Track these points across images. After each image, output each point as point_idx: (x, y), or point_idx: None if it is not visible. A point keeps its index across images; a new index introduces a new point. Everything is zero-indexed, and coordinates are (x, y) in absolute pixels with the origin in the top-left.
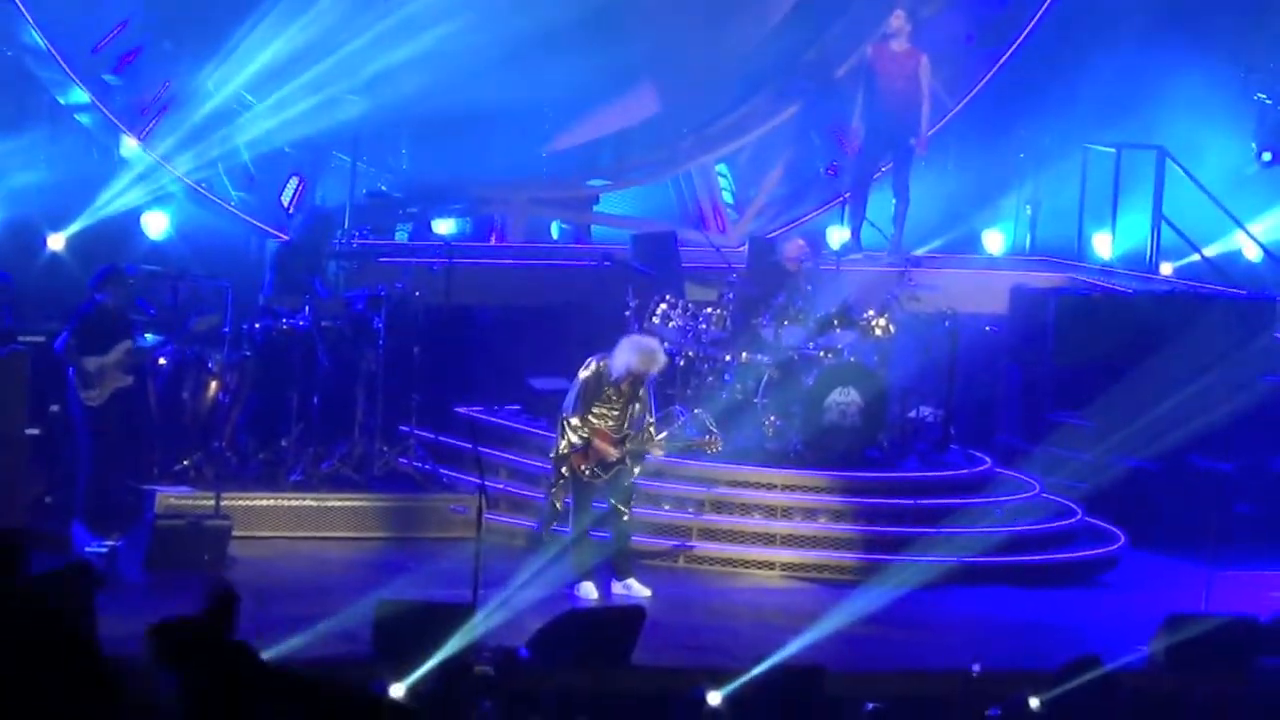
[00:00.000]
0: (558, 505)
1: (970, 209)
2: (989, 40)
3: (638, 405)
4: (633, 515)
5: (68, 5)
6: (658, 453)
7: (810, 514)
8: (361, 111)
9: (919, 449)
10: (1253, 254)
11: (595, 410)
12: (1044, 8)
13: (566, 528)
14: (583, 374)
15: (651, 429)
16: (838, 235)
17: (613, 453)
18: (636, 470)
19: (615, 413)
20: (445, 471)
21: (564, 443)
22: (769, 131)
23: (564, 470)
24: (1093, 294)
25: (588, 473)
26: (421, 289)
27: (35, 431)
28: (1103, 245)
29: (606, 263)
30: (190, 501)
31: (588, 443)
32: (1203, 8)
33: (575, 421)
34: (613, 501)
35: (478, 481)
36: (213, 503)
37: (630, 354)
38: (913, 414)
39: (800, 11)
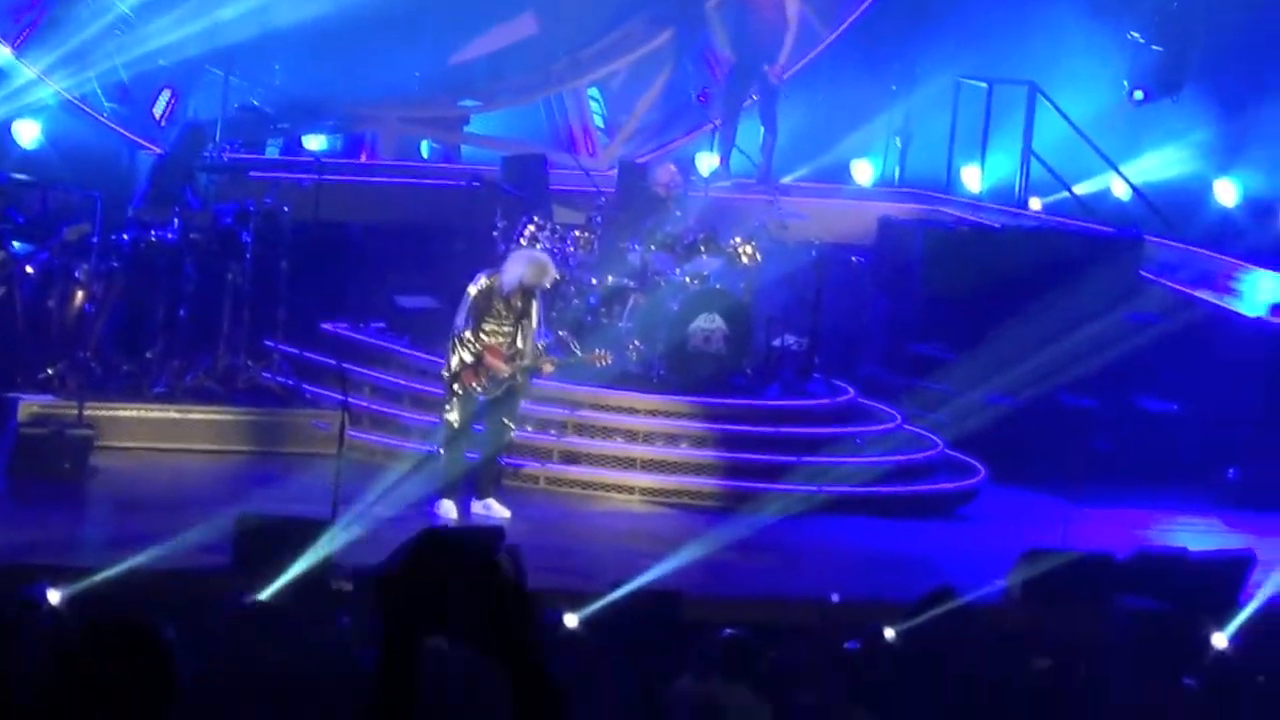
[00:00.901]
0: (453, 424)
1: (840, 139)
2: None
3: (528, 322)
4: (513, 436)
5: None
6: (549, 369)
7: (672, 439)
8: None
9: (783, 377)
10: (1121, 192)
11: (486, 326)
12: None
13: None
14: (472, 289)
15: (543, 347)
16: (707, 162)
17: (504, 369)
18: (527, 388)
19: (506, 329)
20: (309, 387)
21: (455, 360)
22: (642, 57)
23: (456, 388)
24: (960, 227)
25: (479, 389)
26: (291, 204)
27: None
28: (972, 179)
29: (476, 183)
30: (54, 410)
31: (479, 359)
32: None
33: (467, 336)
34: (503, 420)
35: (341, 398)
36: (76, 412)
37: (522, 266)
38: (777, 342)
39: None
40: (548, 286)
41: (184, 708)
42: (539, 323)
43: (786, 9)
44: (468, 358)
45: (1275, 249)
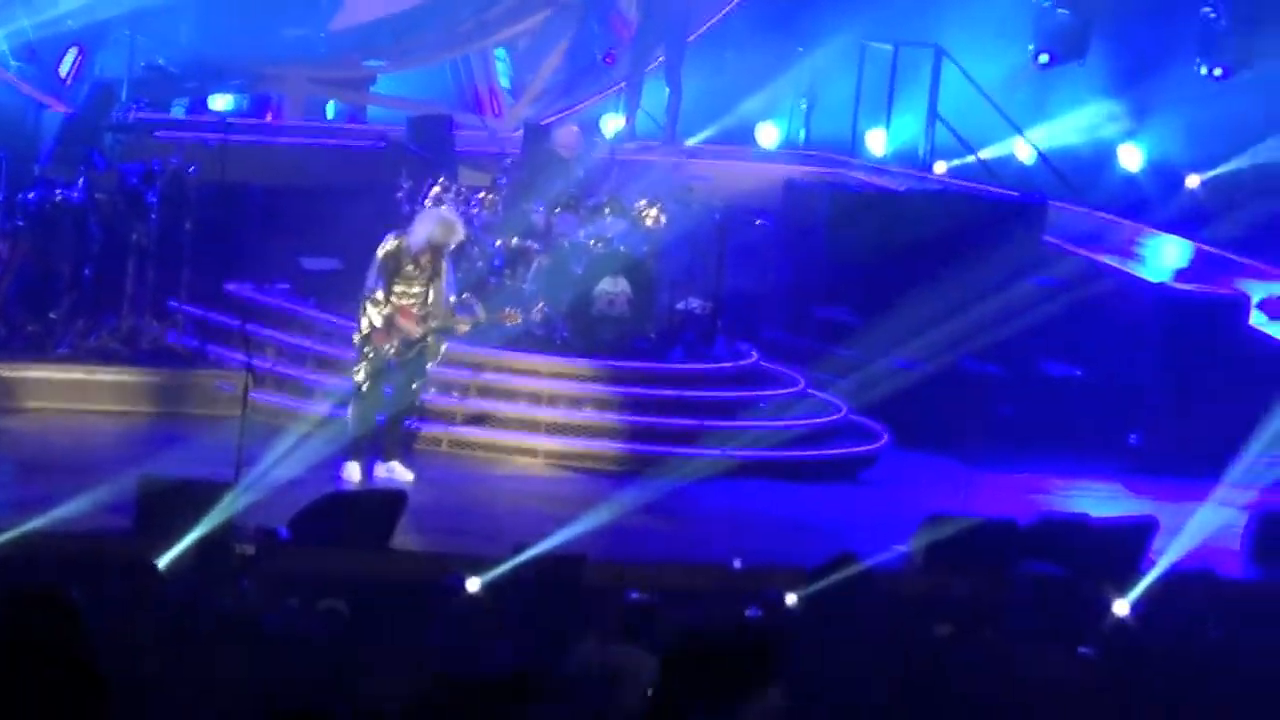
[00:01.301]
0: (362, 386)
1: (745, 101)
2: None
3: (439, 281)
4: (419, 399)
5: None
6: (464, 329)
7: (576, 403)
8: None
9: (686, 340)
10: (1026, 156)
11: (396, 288)
12: None
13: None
14: (381, 251)
15: (453, 307)
16: (613, 123)
17: (415, 330)
18: (441, 348)
19: (417, 289)
20: (213, 348)
21: (365, 322)
22: (548, 18)
23: (366, 350)
24: (865, 191)
25: (391, 350)
26: (196, 165)
27: None
28: (877, 142)
29: (381, 144)
30: None
31: (390, 321)
32: None
33: (378, 297)
34: (411, 382)
35: (245, 359)
36: None
37: (430, 225)
38: (681, 305)
39: None
40: (454, 245)
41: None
42: (449, 282)
43: None
44: (378, 319)
45: (1179, 214)
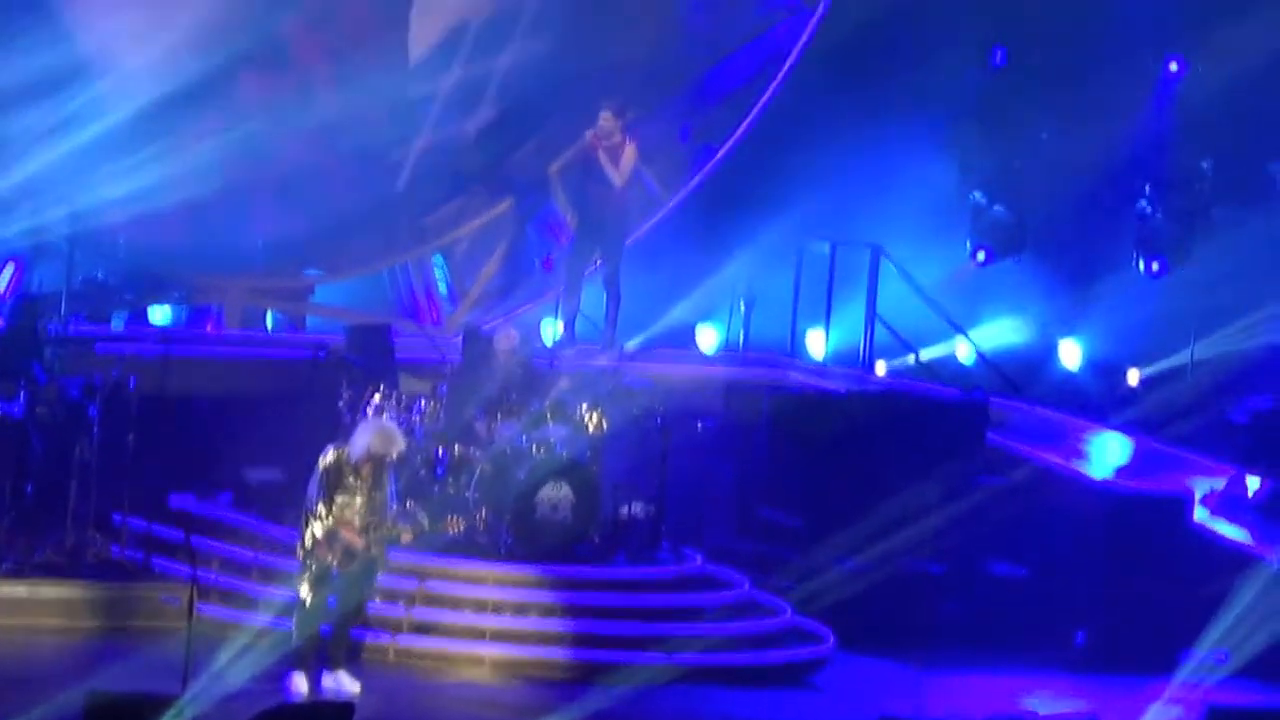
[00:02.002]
0: (306, 598)
1: (685, 305)
2: (705, 135)
3: (379, 493)
4: (365, 609)
5: None
6: (408, 538)
7: (521, 610)
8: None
9: (630, 545)
10: (966, 354)
11: (338, 499)
12: (761, 104)
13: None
14: (322, 463)
15: (395, 517)
16: (552, 329)
17: (358, 541)
18: (384, 560)
19: (359, 500)
20: (158, 561)
21: (309, 535)
22: (485, 224)
23: (309, 562)
24: (805, 392)
25: (334, 561)
26: (137, 377)
27: None
28: (816, 343)
29: (321, 353)
30: None
31: (333, 533)
32: (917, 105)
33: (320, 511)
34: (357, 592)
35: (189, 572)
36: None
37: (368, 436)
38: (625, 510)
39: (509, 114)
40: (395, 457)
41: None
42: (390, 493)
43: (615, 175)
44: (320, 532)
45: (1120, 410)
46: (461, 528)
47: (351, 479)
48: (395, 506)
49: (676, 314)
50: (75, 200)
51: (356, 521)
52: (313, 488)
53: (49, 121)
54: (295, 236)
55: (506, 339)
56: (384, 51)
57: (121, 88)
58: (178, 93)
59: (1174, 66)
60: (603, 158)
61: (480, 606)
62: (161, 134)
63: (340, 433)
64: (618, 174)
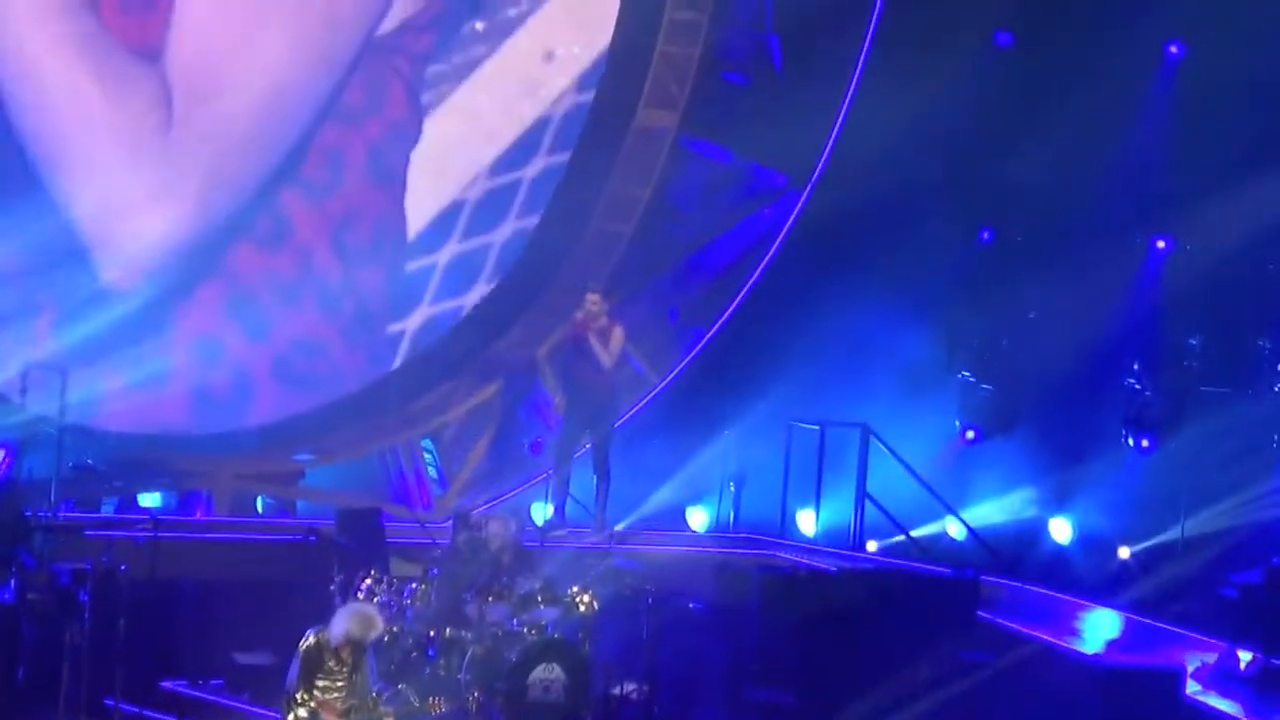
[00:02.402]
0: None
1: (674, 486)
2: (693, 318)
3: (360, 675)
4: None
5: None
6: None
7: None
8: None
9: None
10: (956, 532)
11: (319, 684)
12: (748, 287)
13: None
14: (302, 647)
15: (377, 699)
16: (542, 511)
17: None
18: None
19: (339, 684)
20: None
21: (291, 718)
22: (473, 408)
23: None
24: (796, 571)
25: None
26: (128, 563)
27: None
28: (807, 523)
29: (311, 538)
30: None
31: (314, 717)
32: (904, 284)
33: (300, 697)
34: None
35: None
36: None
37: (348, 620)
38: (616, 691)
39: (493, 299)
40: (373, 639)
41: None
42: (372, 675)
43: (604, 356)
44: (304, 715)
45: (1111, 586)
46: (450, 709)
47: (332, 663)
48: (377, 689)
49: (666, 495)
50: (70, 392)
51: (338, 705)
52: (293, 673)
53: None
54: (286, 420)
55: (500, 524)
56: (383, 222)
57: (119, 268)
58: (181, 276)
59: (1161, 244)
60: (592, 340)
61: None
62: (163, 324)
63: (333, 616)
64: (607, 355)
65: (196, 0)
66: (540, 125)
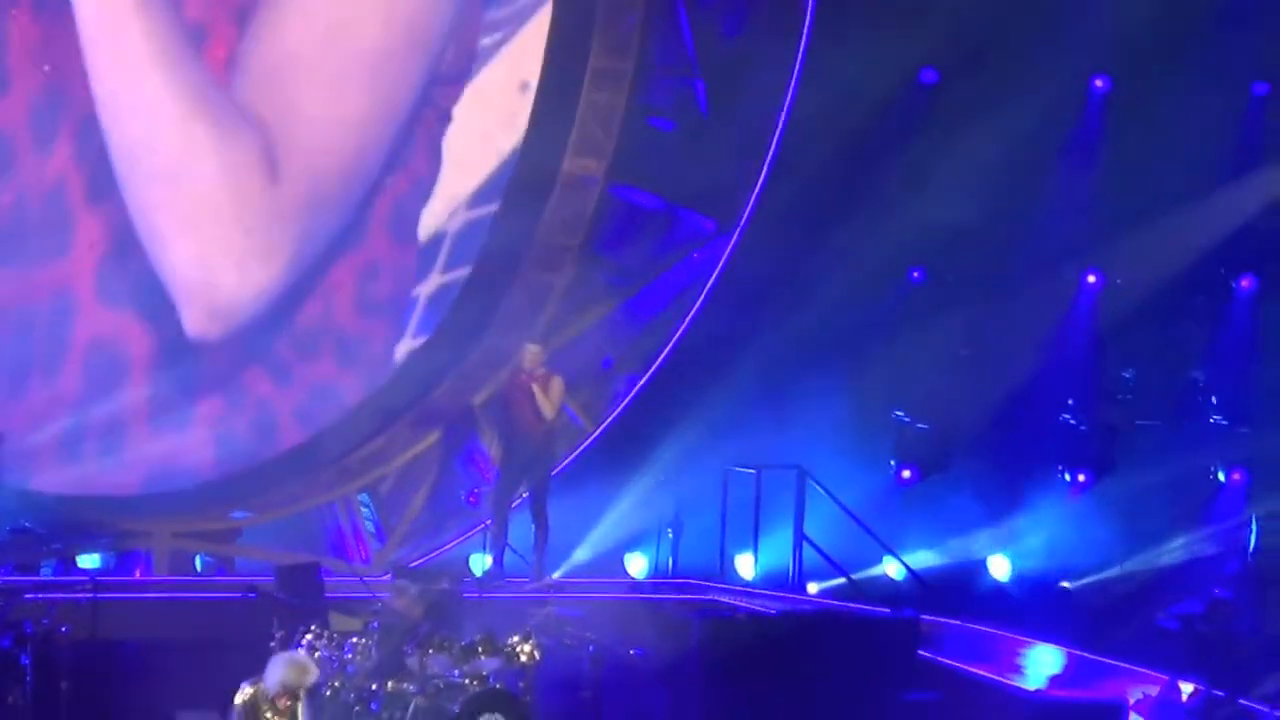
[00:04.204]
0: None
1: (612, 533)
2: (628, 364)
3: None
4: None
5: None
6: None
7: None
8: None
9: None
10: (895, 572)
11: None
12: (680, 332)
13: None
14: (238, 700)
15: None
16: (481, 562)
17: None
18: None
19: None
20: None
21: None
22: (409, 460)
23: None
24: (736, 615)
25: None
26: (68, 624)
27: None
28: (745, 566)
29: (251, 594)
30: None
31: None
32: (836, 325)
33: None
34: None
35: None
36: None
37: (282, 668)
38: None
39: (431, 347)
40: (309, 684)
41: None
42: None
43: (546, 406)
44: None
45: (1051, 622)
46: None
47: (269, 714)
48: None
49: (604, 542)
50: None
51: None
52: None
53: None
54: (221, 479)
55: (397, 591)
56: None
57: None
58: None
59: (1092, 278)
60: (534, 389)
61: None
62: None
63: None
64: (549, 405)
65: (287, 60)
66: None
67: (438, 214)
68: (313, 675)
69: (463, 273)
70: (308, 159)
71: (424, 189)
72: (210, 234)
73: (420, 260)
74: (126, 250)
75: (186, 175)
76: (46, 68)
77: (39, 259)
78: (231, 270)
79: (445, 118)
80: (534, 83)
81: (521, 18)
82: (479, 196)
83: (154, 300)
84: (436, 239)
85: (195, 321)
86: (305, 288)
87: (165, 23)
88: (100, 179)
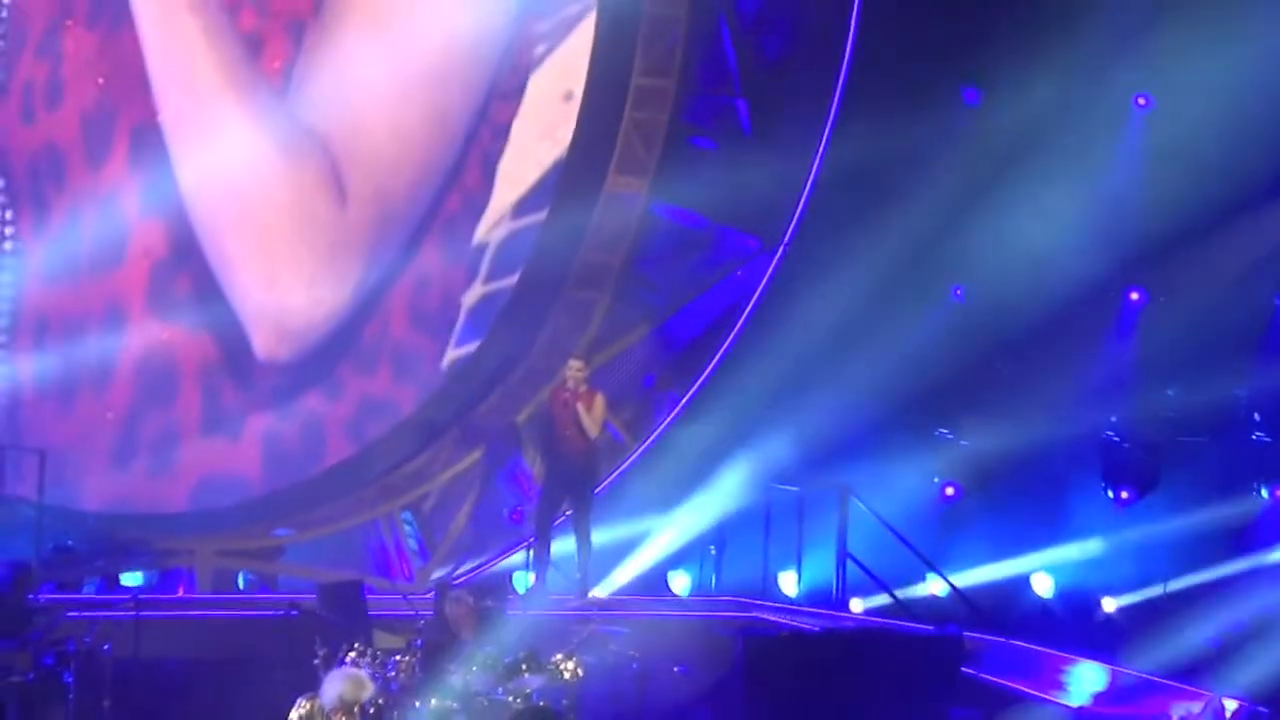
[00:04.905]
0: None
1: (656, 551)
2: (669, 382)
3: None
4: None
5: None
6: None
7: None
8: None
9: None
10: (939, 589)
11: None
12: (723, 351)
13: None
14: (294, 716)
15: None
16: (524, 580)
17: None
18: None
19: None
20: None
21: None
22: (452, 478)
23: None
24: (779, 633)
25: None
26: (111, 642)
27: None
28: (789, 584)
29: (294, 612)
30: None
31: None
32: (879, 343)
33: None
34: None
35: None
36: None
37: (340, 683)
38: None
39: (474, 361)
40: (365, 700)
41: None
42: None
43: (590, 424)
44: None
45: (1094, 638)
46: None
47: None
48: None
49: (648, 560)
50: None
51: None
52: None
53: None
54: (265, 497)
55: (453, 603)
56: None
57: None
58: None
59: (1135, 296)
60: (579, 408)
61: None
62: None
63: (315, 688)
64: (593, 423)
65: (347, 77)
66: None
67: (482, 223)
68: (369, 691)
69: (505, 283)
70: (374, 179)
71: (477, 206)
72: (281, 256)
73: (465, 271)
74: (180, 263)
75: (257, 197)
76: (100, 80)
77: (91, 271)
78: (302, 293)
79: (501, 133)
80: (578, 92)
81: (567, 27)
82: (522, 207)
83: (208, 314)
84: (479, 249)
85: (265, 343)
86: (371, 307)
87: (227, 37)
88: (154, 190)
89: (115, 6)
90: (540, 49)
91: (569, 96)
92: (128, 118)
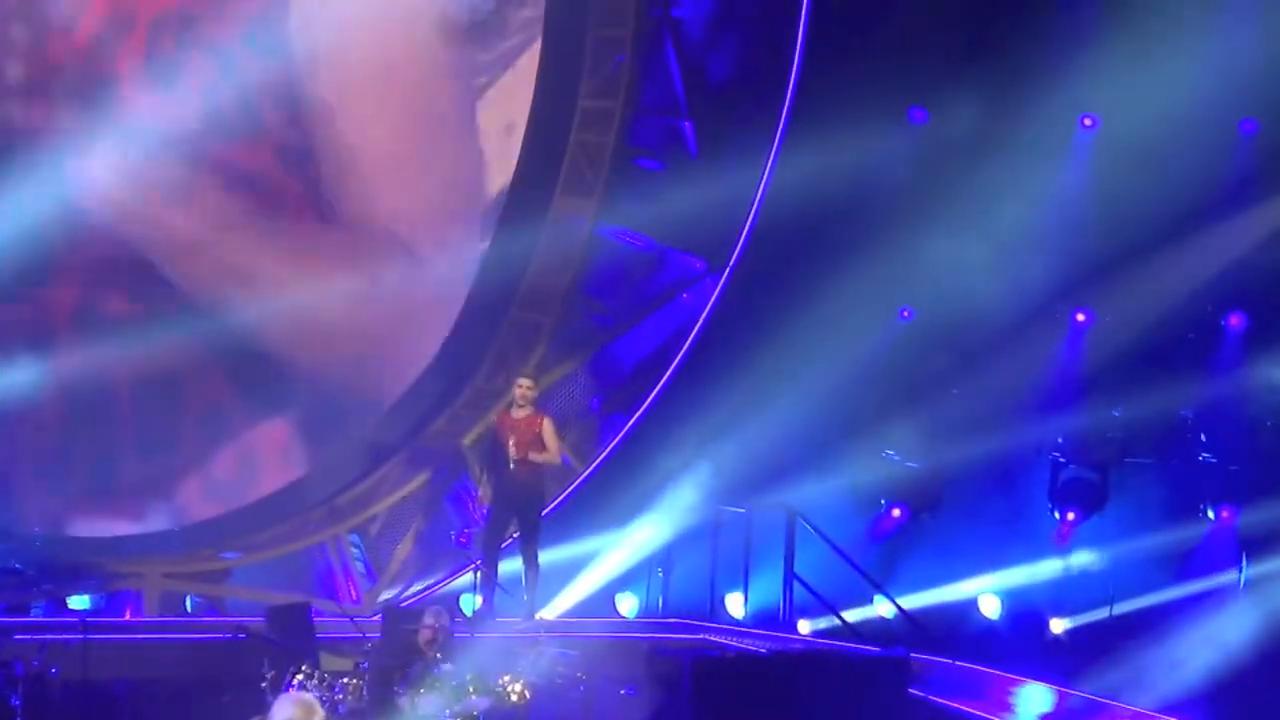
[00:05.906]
0: None
1: (602, 573)
2: (616, 404)
3: None
4: None
5: None
6: None
7: None
8: None
9: None
10: (886, 611)
11: None
12: (669, 374)
13: None
14: None
15: None
16: (471, 602)
17: None
18: None
19: None
20: None
21: None
22: (399, 501)
23: None
24: (725, 654)
25: None
26: (59, 665)
27: None
28: (736, 605)
29: (241, 635)
30: None
31: None
32: (825, 365)
33: None
34: None
35: None
36: None
37: (288, 708)
38: None
39: (424, 384)
40: None
41: None
42: None
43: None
44: None
45: (1040, 659)
46: None
47: None
48: None
49: (594, 582)
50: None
51: None
52: None
53: None
54: (212, 520)
55: (433, 615)
56: None
57: None
58: None
59: (1081, 316)
60: (520, 428)
61: None
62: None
63: (263, 713)
64: (551, 456)
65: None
66: None
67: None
68: (318, 715)
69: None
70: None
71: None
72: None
73: None
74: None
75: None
76: None
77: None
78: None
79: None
80: (521, 124)
81: (506, 61)
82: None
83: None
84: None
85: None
86: None
87: None
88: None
89: None
90: (480, 80)
91: (510, 129)
92: None
